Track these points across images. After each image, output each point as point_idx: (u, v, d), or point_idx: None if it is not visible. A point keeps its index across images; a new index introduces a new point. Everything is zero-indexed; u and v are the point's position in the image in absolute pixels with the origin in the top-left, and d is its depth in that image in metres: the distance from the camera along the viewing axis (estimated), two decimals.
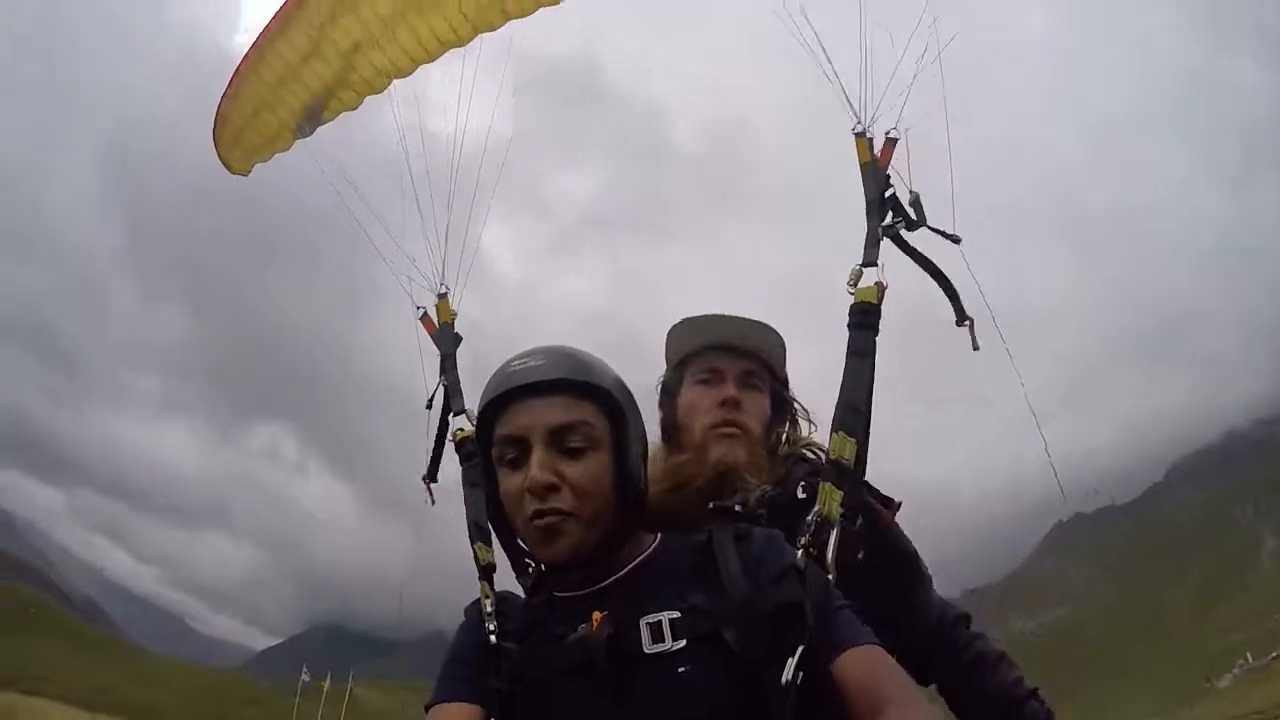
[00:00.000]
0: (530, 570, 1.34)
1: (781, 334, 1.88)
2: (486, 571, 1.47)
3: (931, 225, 1.62)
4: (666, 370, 1.89)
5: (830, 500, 1.38)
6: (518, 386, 1.21)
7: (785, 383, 1.86)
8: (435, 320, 2.00)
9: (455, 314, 1.98)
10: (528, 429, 1.20)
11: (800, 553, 1.27)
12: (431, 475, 1.85)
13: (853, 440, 1.42)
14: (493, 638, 1.27)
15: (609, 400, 1.24)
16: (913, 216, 1.62)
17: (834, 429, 1.45)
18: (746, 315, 1.82)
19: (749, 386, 1.78)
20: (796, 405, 1.88)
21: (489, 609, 1.33)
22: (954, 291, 1.58)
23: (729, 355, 1.79)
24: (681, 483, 1.63)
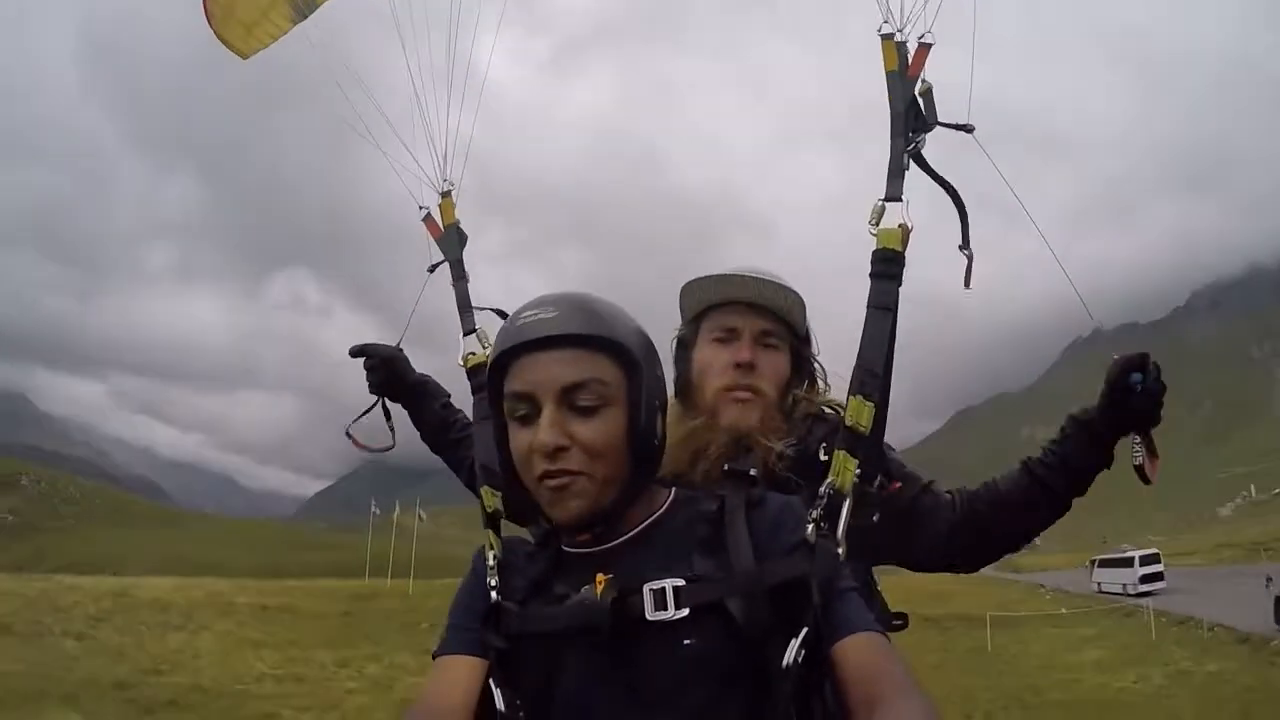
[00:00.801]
0: (538, 520, 1.29)
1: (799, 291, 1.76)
2: (492, 520, 1.43)
3: (943, 121, 1.50)
4: (682, 324, 1.80)
5: (844, 470, 1.33)
6: (527, 341, 1.14)
7: (807, 339, 1.78)
8: (440, 221, 1.91)
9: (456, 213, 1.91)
10: (537, 386, 1.13)
11: (810, 527, 1.21)
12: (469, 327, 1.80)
13: (870, 405, 1.36)
14: (494, 594, 1.24)
15: (624, 354, 1.16)
16: (926, 117, 1.50)
17: (851, 392, 1.38)
18: (768, 274, 1.72)
19: (766, 346, 1.70)
20: (817, 365, 1.80)
21: (492, 562, 1.29)
22: (965, 215, 1.51)
23: (748, 312, 1.69)
24: (698, 450, 1.59)
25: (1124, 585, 40.41)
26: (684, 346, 1.76)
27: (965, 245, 1.51)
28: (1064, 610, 36.29)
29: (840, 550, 1.26)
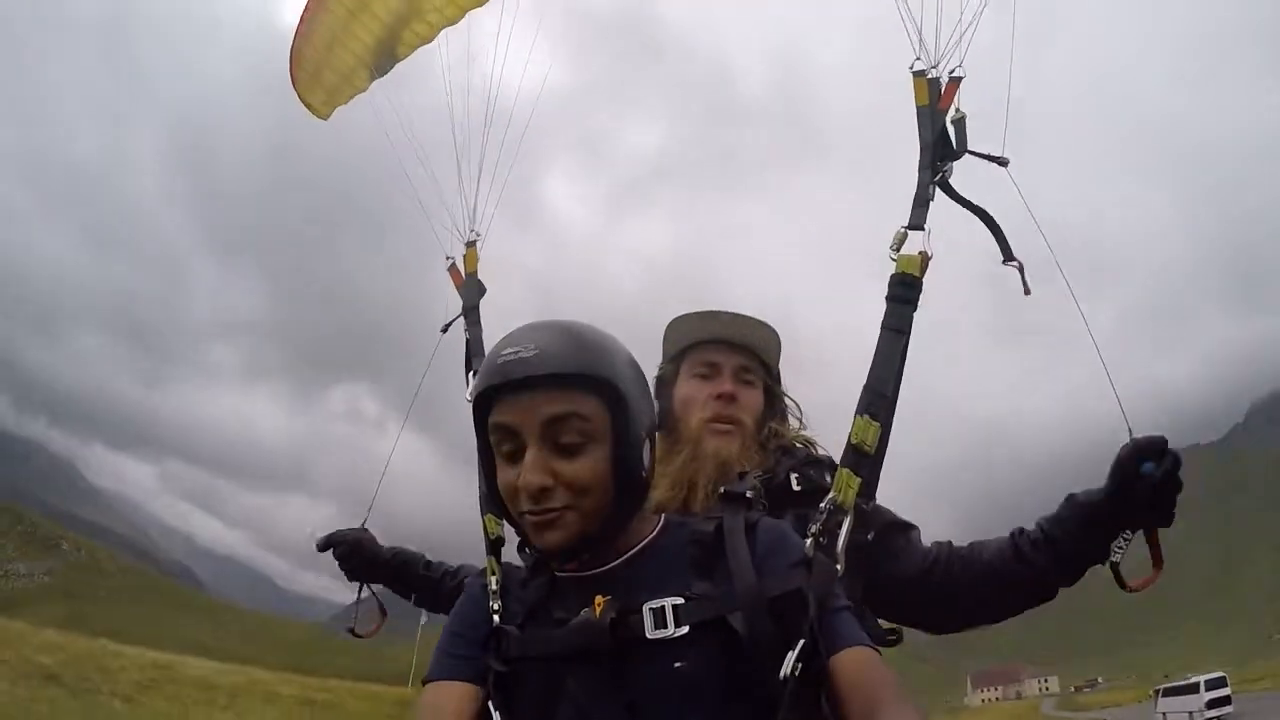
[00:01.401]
0: (531, 550, 1.29)
1: (778, 330, 1.86)
2: (495, 546, 1.43)
3: (973, 150, 1.50)
4: (663, 362, 1.87)
5: (847, 487, 1.32)
6: (507, 381, 1.12)
7: (778, 378, 1.87)
8: (462, 270, 1.97)
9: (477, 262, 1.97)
10: (520, 423, 1.12)
11: (810, 541, 1.24)
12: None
13: (876, 424, 1.35)
14: (496, 618, 1.24)
15: (608, 389, 1.15)
16: (953, 145, 1.50)
17: (858, 411, 1.37)
18: (744, 312, 1.80)
19: (744, 382, 1.78)
20: (788, 400, 1.87)
21: (494, 587, 1.30)
22: (1000, 232, 1.49)
23: (726, 350, 1.78)
24: (690, 485, 1.63)
25: (1190, 714, 37.80)
26: (664, 383, 1.84)
27: (1010, 258, 1.49)
28: None
29: (839, 566, 1.24)
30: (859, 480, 1.33)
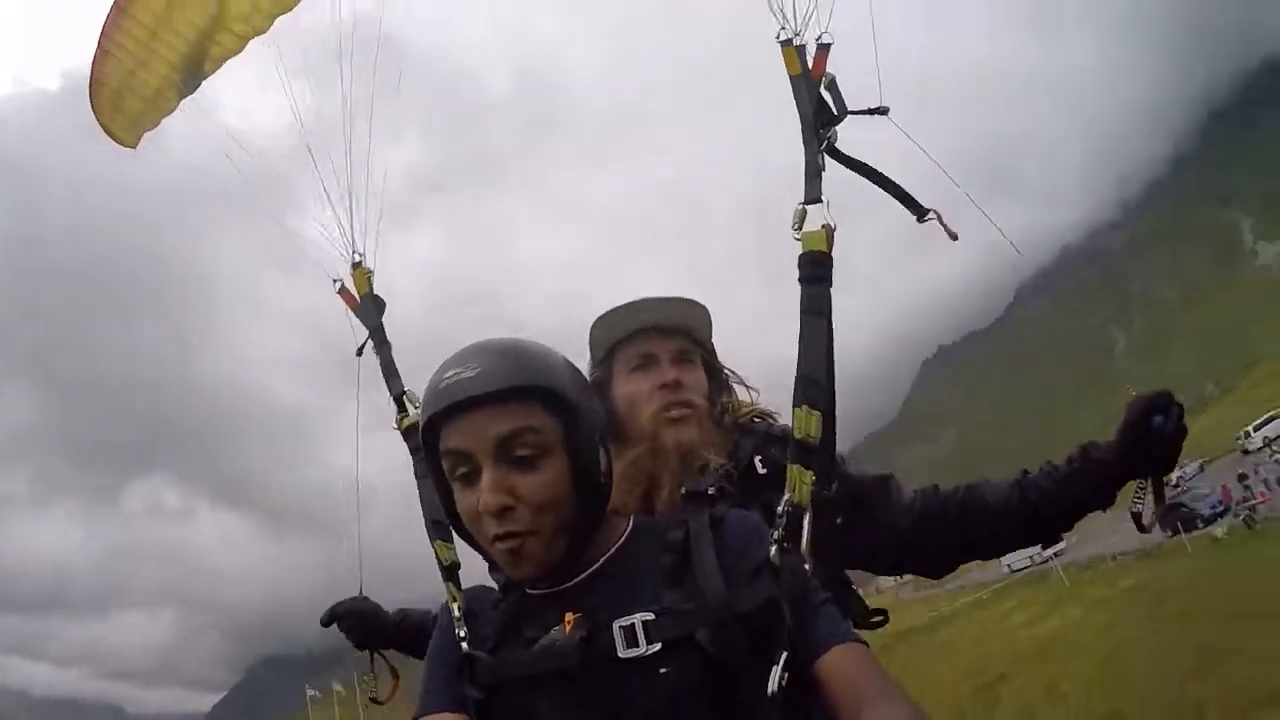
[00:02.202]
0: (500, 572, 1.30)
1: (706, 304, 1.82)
2: (450, 572, 1.41)
3: (853, 110, 1.45)
4: (592, 367, 1.79)
5: (800, 485, 1.27)
6: (452, 404, 1.12)
7: (713, 351, 1.82)
8: (355, 292, 1.91)
9: (372, 272, 1.89)
10: (472, 445, 1.11)
11: (774, 549, 1.19)
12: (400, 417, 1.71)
13: (817, 413, 1.31)
14: (464, 645, 1.23)
15: (555, 397, 1.14)
16: (834, 111, 1.44)
17: (796, 404, 1.32)
18: (670, 295, 1.76)
19: (685, 363, 1.73)
20: (728, 371, 1.83)
21: (457, 614, 1.29)
22: (901, 192, 1.44)
23: (658, 337, 1.73)
24: (651, 481, 1.59)
25: (1030, 558, 42.40)
26: (601, 387, 1.74)
27: (923, 213, 1.41)
28: (984, 595, 37.40)
29: (807, 565, 1.22)
30: (810, 473, 1.29)
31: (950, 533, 1.62)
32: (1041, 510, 1.55)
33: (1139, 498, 1.48)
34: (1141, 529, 1.50)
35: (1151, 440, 1.42)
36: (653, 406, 1.68)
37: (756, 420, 1.76)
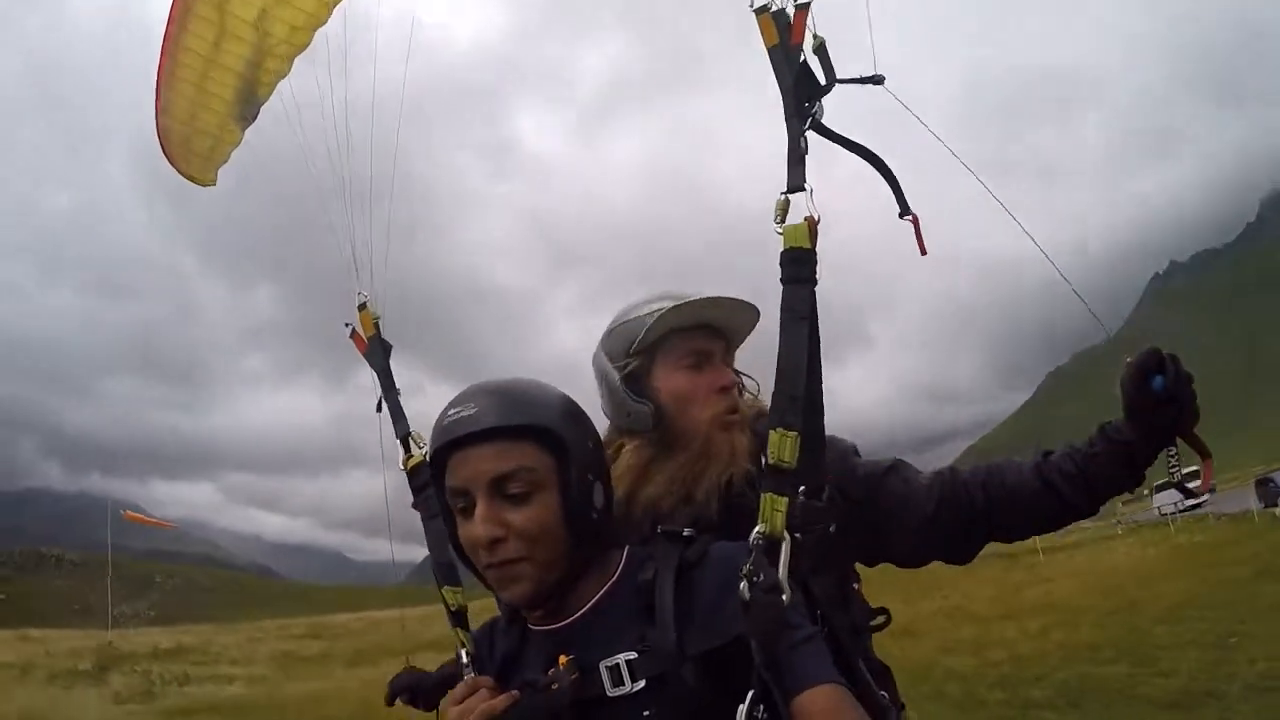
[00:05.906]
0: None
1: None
2: (458, 618, 1.46)
3: (843, 78, 1.26)
4: (626, 355, 1.62)
5: (773, 514, 1.17)
6: (453, 440, 1.19)
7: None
8: (363, 333, 1.87)
9: (379, 317, 1.86)
10: (469, 480, 1.18)
11: (743, 584, 1.11)
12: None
13: (793, 434, 1.18)
14: None
15: (547, 436, 1.19)
16: (820, 79, 1.26)
17: (770, 425, 1.20)
18: (730, 295, 1.61)
19: (730, 365, 1.66)
20: (743, 376, 1.72)
21: (465, 659, 1.36)
22: (892, 177, 1.29)
23: (712, 335, 1.62)
24: (693, 482, 1.52)
25: (1175, 504, 40.63)
26: (637, 379, 1.61)
27: (905, 211, 1.30)
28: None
29: (785, 597, 1.12)
30: (784, 499, 1.18)
31: (976, 517, 1.55)
32: (1066, 496, 1.48)
33: (1174, 465, 1.41)
34: (1189, 494, 1.42)
35: (1158, 405, 1.32)
36: (713, 410, 1.59)
37: (760, 420, 1.66)
